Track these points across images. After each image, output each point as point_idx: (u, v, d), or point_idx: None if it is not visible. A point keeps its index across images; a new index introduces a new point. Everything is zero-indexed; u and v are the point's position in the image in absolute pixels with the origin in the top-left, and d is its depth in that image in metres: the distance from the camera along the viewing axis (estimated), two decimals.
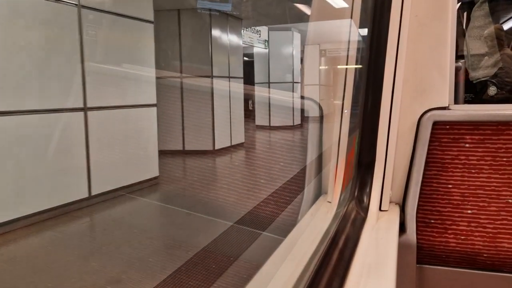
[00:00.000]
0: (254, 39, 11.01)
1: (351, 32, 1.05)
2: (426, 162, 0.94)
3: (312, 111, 1.19)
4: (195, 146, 6.83)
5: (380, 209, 0.95)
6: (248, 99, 15.55)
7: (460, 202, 0.94)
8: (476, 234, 0.94)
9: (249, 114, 11.68)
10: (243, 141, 7.89)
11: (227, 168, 6.19)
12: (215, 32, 6.79)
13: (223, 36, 7.00)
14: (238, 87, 7.50)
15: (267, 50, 11.34)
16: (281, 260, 0.82)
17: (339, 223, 0.88)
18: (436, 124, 0.93)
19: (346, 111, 1.01)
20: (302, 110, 14.26)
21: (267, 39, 11.37)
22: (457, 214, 0.94)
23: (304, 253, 0.83)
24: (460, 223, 0.94)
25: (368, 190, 0.95)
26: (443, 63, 0.94)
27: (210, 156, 6.79)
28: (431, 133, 0.93)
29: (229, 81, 7.07)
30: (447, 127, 0.93)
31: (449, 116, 0.93)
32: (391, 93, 0.93)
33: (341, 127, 1.00)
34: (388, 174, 0.95)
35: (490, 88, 1.75)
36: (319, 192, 1.09)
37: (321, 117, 1.12)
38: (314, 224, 0.94)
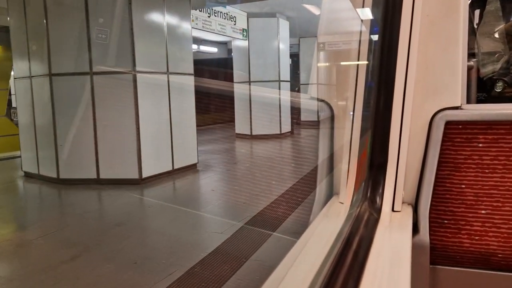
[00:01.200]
0: (227, 28, 10.26)
1: (361, 27, 1.18)
2: (439, 162, 1.07)
3: (325, 112, 1.28)
4: (114, 173, 5.71)
5: (392, 210, 1.08)
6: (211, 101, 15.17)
7: (473, 202, 1.06)
8: (491, 234, 1.06)
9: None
10: (195, 161, 6.77)
11: (146, 217, 4.42)
12: (140, 11, 5.66)
13: (155, 16, 5.96)
14: (186, 86, 6.54)
15: (246, 42, 10.63)
16: (295, 262, 0.94)
17: (352, 224, 1.02)
18: (448, 124, 1.06)
19: (357, 111, 1.13)
20: (296, 114, 14.02)
21: (246, 27, 10.55)
22: (470, 215, 1.07)
23: (318, 254, 0.95)
24: (474, 224, 1.07)
25: (380, 190, 1.08)
26: (455, 62, 1.06)
27: (133, 188, 5.45)
28: (444, 133, 1.06)
29: (168, 77, 6.07)
30: (460, 126, 1.06)
31: (462, 116, 1.05)
32: (403, 93, 1.05)
33: (352, 128, 1.13)
34: (401, 174, 1.07)
35: (497, 84, 1.86)
36: (331, 192, 1.21)
37: (332, 118, 1.23)
38: (327, 225, 1.08)
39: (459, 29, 1.05)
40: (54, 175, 5.81)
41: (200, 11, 8.73)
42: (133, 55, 5.41)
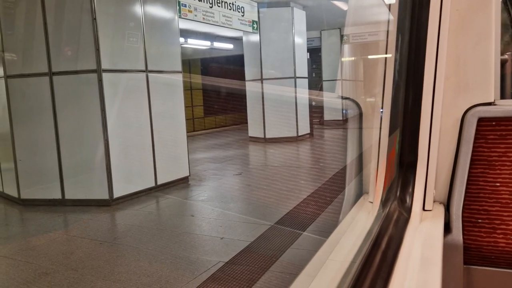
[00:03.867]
0: (234, 20, 9.45)
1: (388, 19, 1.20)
2: (472, 160, 1.08)
3: (351, 110, 1.30)
4: (81, 193, 4.95)
5: (423, 209, 1.09)
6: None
7: (509, 201, 1.07)
8: None
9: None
10: (187, 174, 6.01)
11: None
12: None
13: (127, 4, 5.09)
14: (172, 86, 5.64)
15: (257, 36, 9.95)
16: (324, 260, 0.96)
17: (381, 224, 1.01)
18: (481, 121, 1.06)
19: (386, 109, 1.14)
20: (318, 113, 13.00)
21: (256, 19, 9.88)
22: (506, 213, 1.07)
23: (347, 253, 0.98)
24: (510, 223, 1.07)
25: (410, 189, 1.09)
26: (487, 57, 1.07)
27: (100, 212, 4.69)
28: (476, 130, 1.07)
29: (147, 77, 5.21)
30: (493, 123, 1.06)
31: (495, 112, 1.05)
32: (432, 89, 1.07)
33: (381, 127, 1.14)
34: (431, 173, 1.09)
35: None
36: (360, 192, 1.25)
37: (360, 117, 1.25)
38: (356, 224, 1.10)
39: (491, 23, 1.06)
40: (15, 195, 4.90)
41: (199, 0, 7.67)
42: (97, 50, 4.39)
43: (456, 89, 1.08)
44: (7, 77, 4.98)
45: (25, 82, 4.96)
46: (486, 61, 1.06)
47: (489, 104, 1.06)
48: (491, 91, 1.07)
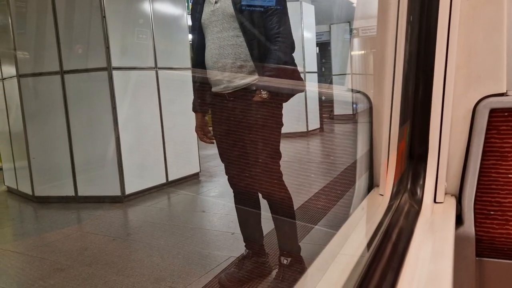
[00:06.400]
0: None
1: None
2: (484, 152, 1.07)
3: (362, 104, 1.33)
4: (93, 190, 4.97)
5: (435, 201, 1.09)
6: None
7: None
8: None
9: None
10: (197, 170, 5.98)
11: None
12: None
13: (137, 3, 5.08)
14: (182, 82, 5.64)
15: None
16: (334, 253, 0.96)
17: (392, 216, 1.02)
18: (493, 112, 1.05)
19: (396, 101, 1.12)
20: (328, 108, 12.95)
21: None
22: None
23: (357, 246, 0.97)
24: None
25: (421, 182, 1.09)
26: (499, 47, 1.05)
27: (112, 208, 4.73)
28: (488, 121, 1.05)
29: (157, 74, 5.18)
30: (506, 114, 1.04)
31: (508, 103, 1.04)
32: (443, 80, 1.06)
33: (391, 119, 1.12)
34: (442, 164, 1.08)
35: None
36: (371, 185, 1.25)
37: (370, 110, 1.25)
38: (366, 217, 1.10)
39: (503, 12, 1.04)
40: (30, 192, 4.97)
41: None
42: (107, 48, 4.41)
43: (467, 80, 1.07)
44: (19, 76, 5.00)
45: (37, 81, 5.00)
46: (498, 51, 1.05)
47: (501, 95, 1.05)
48: (503, 82, 1.05)
